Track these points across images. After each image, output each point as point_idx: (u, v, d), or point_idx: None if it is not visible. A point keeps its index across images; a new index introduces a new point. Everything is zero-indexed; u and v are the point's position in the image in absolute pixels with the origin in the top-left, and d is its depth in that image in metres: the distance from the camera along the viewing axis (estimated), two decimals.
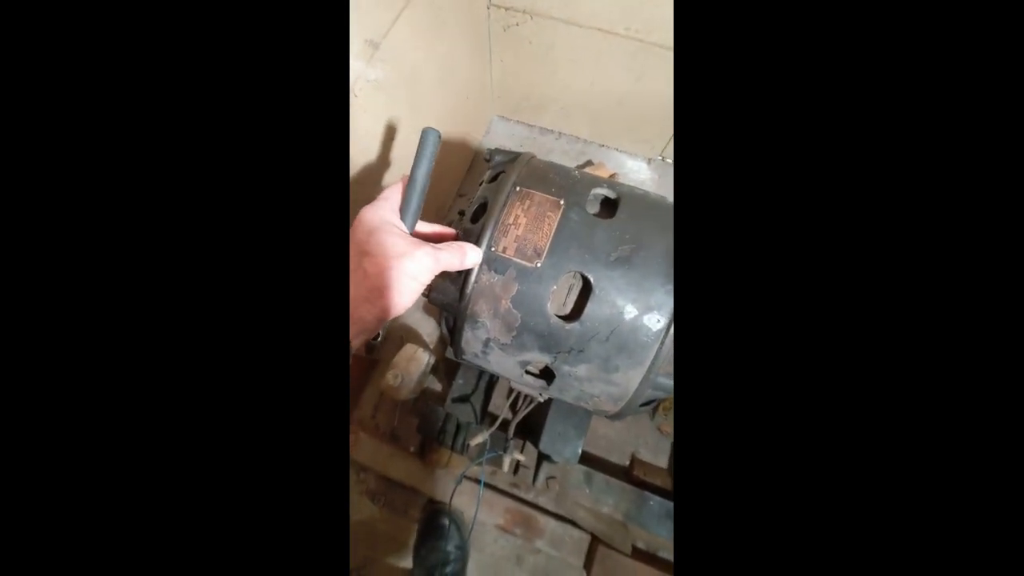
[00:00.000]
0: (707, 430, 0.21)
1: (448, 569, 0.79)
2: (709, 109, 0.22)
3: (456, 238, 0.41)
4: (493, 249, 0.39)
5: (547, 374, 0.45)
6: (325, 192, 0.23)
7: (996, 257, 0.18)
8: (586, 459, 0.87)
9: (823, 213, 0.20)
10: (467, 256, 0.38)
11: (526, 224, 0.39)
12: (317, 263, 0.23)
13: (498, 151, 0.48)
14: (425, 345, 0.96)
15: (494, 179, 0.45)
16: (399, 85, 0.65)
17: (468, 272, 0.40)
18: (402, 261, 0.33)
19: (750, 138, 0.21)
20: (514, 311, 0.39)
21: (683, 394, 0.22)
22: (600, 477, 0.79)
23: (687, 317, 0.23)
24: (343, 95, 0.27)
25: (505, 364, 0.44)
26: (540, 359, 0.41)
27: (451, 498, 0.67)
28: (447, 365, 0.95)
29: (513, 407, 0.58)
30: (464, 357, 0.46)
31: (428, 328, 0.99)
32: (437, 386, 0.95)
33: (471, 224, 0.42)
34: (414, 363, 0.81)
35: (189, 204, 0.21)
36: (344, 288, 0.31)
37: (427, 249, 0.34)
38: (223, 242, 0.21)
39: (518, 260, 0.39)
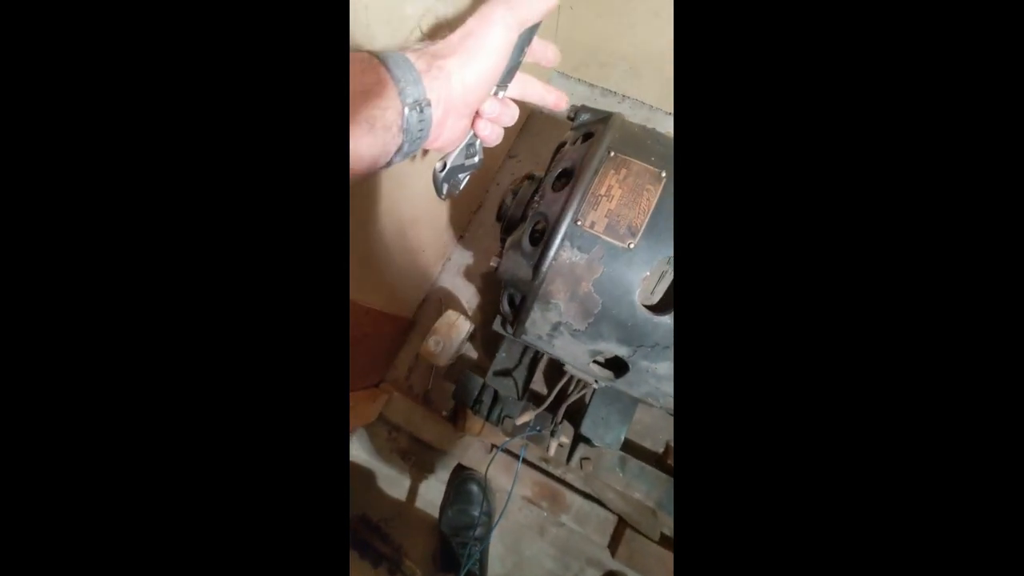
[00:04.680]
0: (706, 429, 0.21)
1: (473, 533, 0.81)
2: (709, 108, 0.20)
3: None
4: (579, 223, 0.35)
5: (618, 366, 0.41)
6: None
7: (996, 257, 0.18)
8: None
9: (825, 214, 0.20)
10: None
11: (620, 197, 0.34)
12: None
13: (584, 108, 0.42)
14: (464, 311, 0.93)
15: (579, 141, 0.40)
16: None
17: (546, 248, 0.35)
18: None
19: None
20: (595, 296, 0.35)
21: (683, 391, 0.22)
22: (634, 463, 0.77)
23: (686, 315, 0.22)
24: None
25: (573, 351, 0.40)
26: (616, 350, 0.38)
27: (487, 469, 0.66)
28: (484, 334, 0.93)
29: (563, 391, 0.55)
30: (525, 337, 0.43)
31: (467, 295, 0.97)
32: (473, 354, 0.94)
33: (553, 192, 0.37)
34: (455, 330, 0.79)
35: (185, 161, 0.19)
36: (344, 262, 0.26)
37: None
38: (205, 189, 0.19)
39: (607, 238, 0.34)
